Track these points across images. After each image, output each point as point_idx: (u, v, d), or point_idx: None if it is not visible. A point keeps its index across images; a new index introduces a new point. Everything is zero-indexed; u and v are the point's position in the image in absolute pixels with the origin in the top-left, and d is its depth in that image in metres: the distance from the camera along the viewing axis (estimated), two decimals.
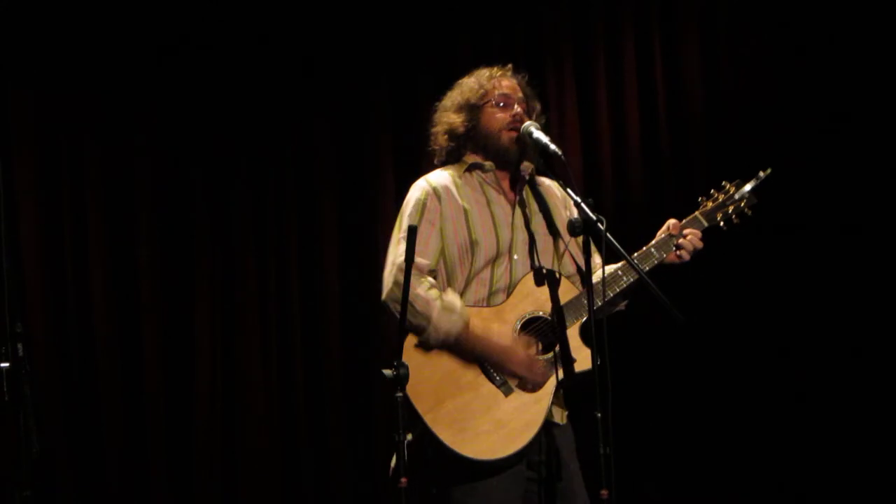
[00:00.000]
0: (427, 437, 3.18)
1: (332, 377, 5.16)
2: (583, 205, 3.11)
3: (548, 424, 3.30)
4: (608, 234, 3.10)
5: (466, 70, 3.62)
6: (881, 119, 5.05)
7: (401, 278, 3.08)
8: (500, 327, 3.26)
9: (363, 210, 5.23)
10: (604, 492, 2.92)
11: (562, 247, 3.41)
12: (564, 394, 3.36)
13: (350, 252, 5.22)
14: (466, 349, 3.24)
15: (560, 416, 3.35)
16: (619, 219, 4.97)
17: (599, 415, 2.94)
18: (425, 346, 3.24)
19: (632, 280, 3.34)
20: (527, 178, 3.45)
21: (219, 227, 5.14)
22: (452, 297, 3.26)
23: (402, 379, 2.96)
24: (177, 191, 5.09)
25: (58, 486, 4.77)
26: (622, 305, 3.51)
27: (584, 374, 3.21)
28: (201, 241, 5.09)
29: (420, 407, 3.18)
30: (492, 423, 3.21)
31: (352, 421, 5.15)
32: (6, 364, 2.83)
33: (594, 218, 3.07)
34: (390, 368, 2.97)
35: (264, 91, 5.17)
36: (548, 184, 3.52)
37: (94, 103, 4.98)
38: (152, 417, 4.96)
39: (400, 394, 2.96)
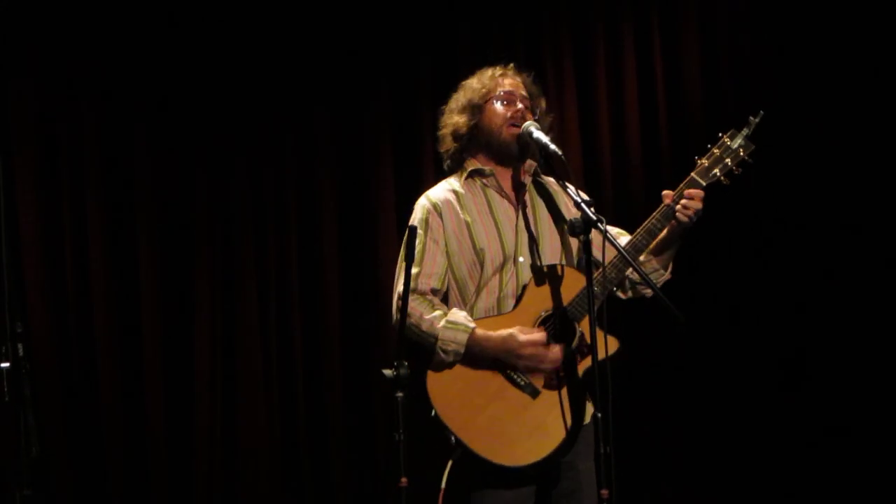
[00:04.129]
0: (467, 456, 3.18)
1: (332, 378, 5.14)
2: (583, 205, 3.11)
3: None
4: (609, 235, 3.10)
5: (466, 70, 3.61)
6: (881, 117, 5.06)
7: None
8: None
9: (363, 210, 5.23)
10: (604, 491, 2.92)
11: (571, 243, 3.40)
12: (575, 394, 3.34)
13: (350, 252, 5.22)
14: (481, 355, 3.23)
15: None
16: (620, 219, 4.95)
17: (599, 414, 2.95)
18: (446, 365, 3.24)
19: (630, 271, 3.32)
20: (530, 176, 3.44)
21: (219, 227, 5.13)
22: (455, 312, 3.28)
23: (402, 379, 2.97)
24: (177, 190, 5.08)
25: (58, 486, 4.76)
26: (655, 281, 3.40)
27: (605, 360, 3.17)
28: (201, 240, 5.09)
29: (453, 426, 3.18)
30: (525, 427, 3.20)
31: (352, 421, 5.14)
32: (6, 364, 2.84)
33: (594, 218, 3.07)
34: (390, 368, 2.97)
35: (264, 90, 5.16)
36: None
37: (94, 101, 4.97)
38: (152, 417, 4.95)
39: (400, 394, 2.96)
